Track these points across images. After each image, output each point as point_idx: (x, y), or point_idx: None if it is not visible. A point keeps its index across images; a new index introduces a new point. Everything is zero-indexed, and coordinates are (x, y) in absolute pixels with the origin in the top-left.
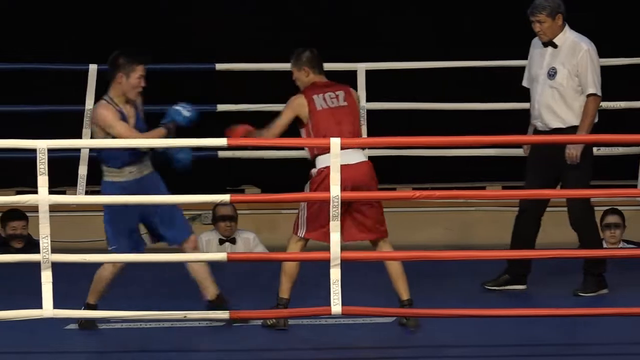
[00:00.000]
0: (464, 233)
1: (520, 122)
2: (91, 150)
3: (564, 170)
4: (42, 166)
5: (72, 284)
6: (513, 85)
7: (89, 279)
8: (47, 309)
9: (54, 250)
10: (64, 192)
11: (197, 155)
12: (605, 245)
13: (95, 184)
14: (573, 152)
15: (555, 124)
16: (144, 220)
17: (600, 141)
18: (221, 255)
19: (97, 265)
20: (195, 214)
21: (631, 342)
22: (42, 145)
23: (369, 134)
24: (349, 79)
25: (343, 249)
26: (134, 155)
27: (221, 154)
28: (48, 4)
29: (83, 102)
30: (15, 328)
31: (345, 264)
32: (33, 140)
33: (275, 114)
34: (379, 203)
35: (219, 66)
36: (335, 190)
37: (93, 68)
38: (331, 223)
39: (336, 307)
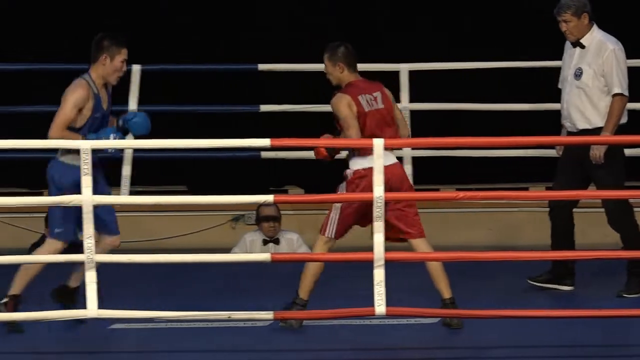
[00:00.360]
0: (507, 234)
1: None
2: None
3: (593, 171)
4: (86, 167)
5: (115, 284)
6: (555, 86)
7: (133, 279)
8: (92, 309)
9: None
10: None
11: (240, 156)
12: None
13: (138, 184)
14: (596, 153)
15: (582, 124)
16: None
17: (623, 142)
18: (265, 256)
19: (142, 265)
20: (239, 214)
21: None
22: (86, 146)
23: (412, 135)
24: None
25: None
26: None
27: (264, 154)
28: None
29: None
30: (60, 328)
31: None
32: (77, 140)
33: (318, 115)
34: (414, 203)
35: (262, 67)
36: (378, 191)
37: (136, 68)
38: (375, 224)
39: (380, 307)
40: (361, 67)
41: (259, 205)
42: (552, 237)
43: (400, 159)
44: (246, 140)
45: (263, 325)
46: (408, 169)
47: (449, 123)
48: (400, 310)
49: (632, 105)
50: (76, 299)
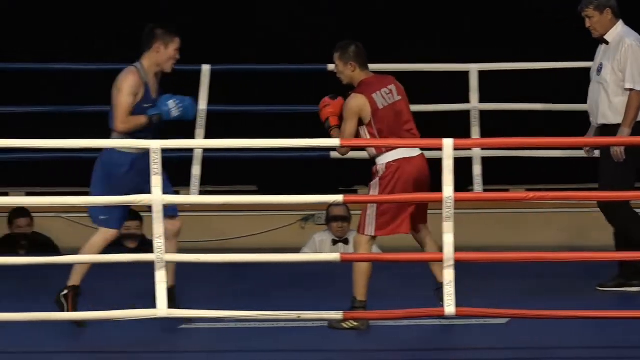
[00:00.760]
0: (577, 234)
1: None
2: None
3: (600, 166)
4: (156, 166)
5: (185, 284)
6: None
7: (202, 279)
8: (162, 309)
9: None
10: (177, 193)
11: (309, 156)
12: None
13: (208, 184)
14: (617, 151)
15: (601, 119)
16: (138, 192)
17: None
18: (334, 256)
19: (211, 265)
20: (309, 214)
21: None
22: (155, 146)
23: (482, 135)
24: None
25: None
26: (144, 131)
27: (333, 154)
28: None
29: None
30: (129, 327)
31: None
32: (147, 140)
33: None
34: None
35: (332, 67)
36: (448, 191)
37: (206, 68)
38: (444, 224)
39: (449, 308)
40: (429, 67)
41: (329, 205)
42: (616, 239)
43: (469, 159)
44: (316, 140)
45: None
46: (477, 169)
47: (518, 123)
48: (470, 311)
49: None
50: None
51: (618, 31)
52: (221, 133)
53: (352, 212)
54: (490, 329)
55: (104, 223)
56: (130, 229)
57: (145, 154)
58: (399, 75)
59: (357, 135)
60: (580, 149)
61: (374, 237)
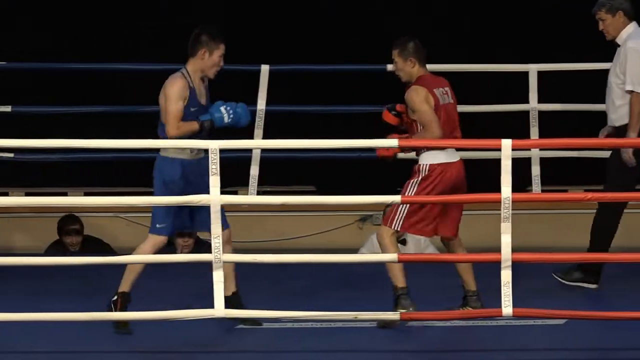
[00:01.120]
0: (636, 235)
1: None
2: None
3: (608, 169)
4: (214, 166)
5: (242, 284)
6: None
7: (259, 279)
8: (219, 309)
9: None
10: (235, 193)
11: (368, 156)
12: None
13: (266, 184)
14: (625, 156)
15: (610, 122)
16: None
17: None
18: (392, 256)
19: (268, 265)
20: (367, 214)
21: None
22: (214, 146)
23: (541, 136)
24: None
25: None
26: (196, 135)
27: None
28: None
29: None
30: (187, 327)
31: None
32: (206, 140)
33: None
34: (461, 206)
35: (391, 67)
36: (506, 191)
37: (265, 68)
38: (502, 224)
39: (507, 308)
40: (489, 67)
41: (387, 206)
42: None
43: (528, 159)
44: (374, 140)
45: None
46: (536, 169)
47: (577, 124)
48: (527, 312)
49: None
50: (241, 302)
51: (627, 33)
52: (279, 133)
53: None
54: (548, 330)
55: (160, 231)
56: (188, 242)
57: (195, 160)
58: (458, 75)
59: (411, 128)
60: None
61: (397, 231)
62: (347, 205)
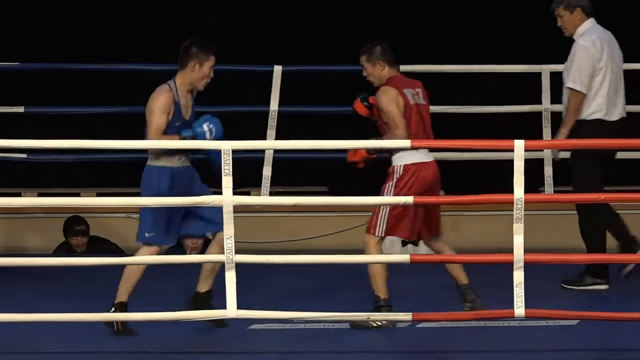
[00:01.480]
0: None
1: None
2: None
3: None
4: (227, 167)
5: (254, 284)
6: None
7: (272, 279)
8: (231, 310)
9: (238, 251)
10: (248, 193)
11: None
12: None
13: (278, 184)
14: (552, 152)
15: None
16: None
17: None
18: (404, 257)
19: (281, 266)
20: None
21: None
22: (226, 147)
23: (553, 136)
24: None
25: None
26: (180, 151)
27: None
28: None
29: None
30: (198, 328)
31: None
32: (219, 141)
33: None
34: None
35: (403, 68)
36: (519, 192)
37: (278, 69)
38: (514, 225)
39: (519, 309)
40: (502, 68)
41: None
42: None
43: (540, 160)
44: (387, 141)
45: (401, 327)
46: (548, 170)
47: None
48: (539, 312)
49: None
50: (211, 302)
51: (583, 29)
52: (292, 134)
53: None
54: (560, 331)
55: (150, 240)
56: (197, 244)
57: (183, 167)
58: (470, 76)
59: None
60: None
61: (382, 238)
62: (360, 205)
